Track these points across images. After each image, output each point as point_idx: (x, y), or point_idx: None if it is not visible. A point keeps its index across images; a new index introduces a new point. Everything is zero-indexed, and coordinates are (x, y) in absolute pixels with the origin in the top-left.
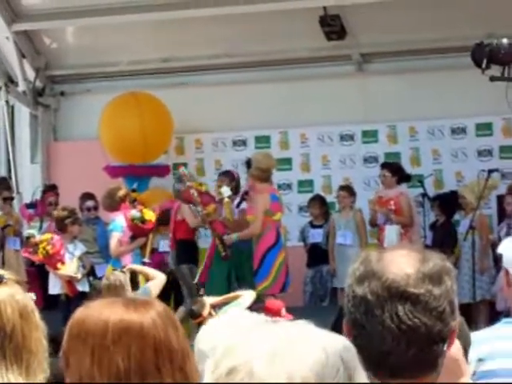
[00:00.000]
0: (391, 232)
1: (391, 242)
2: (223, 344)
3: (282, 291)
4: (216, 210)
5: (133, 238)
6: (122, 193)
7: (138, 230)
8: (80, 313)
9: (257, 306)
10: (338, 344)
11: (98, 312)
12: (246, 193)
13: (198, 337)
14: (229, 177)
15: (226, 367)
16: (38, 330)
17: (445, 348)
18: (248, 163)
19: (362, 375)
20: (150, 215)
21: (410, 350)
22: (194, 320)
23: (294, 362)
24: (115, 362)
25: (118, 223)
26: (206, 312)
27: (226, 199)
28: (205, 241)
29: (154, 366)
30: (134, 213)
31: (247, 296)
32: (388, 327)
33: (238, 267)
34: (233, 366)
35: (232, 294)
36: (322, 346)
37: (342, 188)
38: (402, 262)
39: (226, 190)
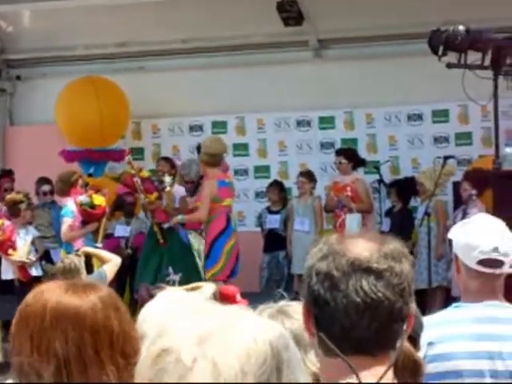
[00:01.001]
0: (352, 220)
1: (352, 231)
2: (159, 325)
3: (230, 277)
4: (158, 198)
5: (85, 223)
6: (73, 178)
7: (87, 215)
8: (27, 297)
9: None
10: (272, 333)
11: (39, 296)
12: (162, 181)
13: (140, 318)
14: (169, 163)
15: (158, 348)
16: None
17: (404, 328)
18: (198, 148)
19: (295, 367)
20: (100, 200)
21: (373, 325)
22: None
23: (221, 349)
24: (53, 347)
25: (69, 208)
26: None
27: (168, 188)
28: None
29: (93, 350)
30: (83, 198)
31: (207, 288)
32: (353, 301)
33: (170, 252)
34: (164, 348)
35: (192, 285)
36: (253, 334)
37: (301, 174)
38: (363, 243)
39: (167, 179)
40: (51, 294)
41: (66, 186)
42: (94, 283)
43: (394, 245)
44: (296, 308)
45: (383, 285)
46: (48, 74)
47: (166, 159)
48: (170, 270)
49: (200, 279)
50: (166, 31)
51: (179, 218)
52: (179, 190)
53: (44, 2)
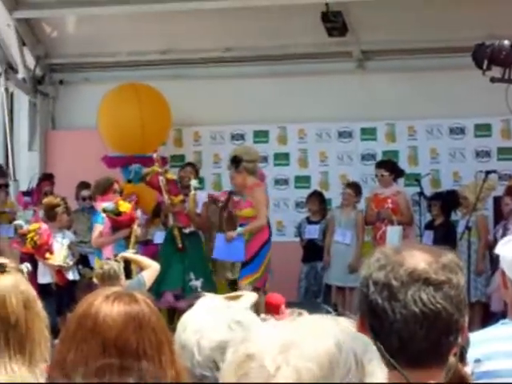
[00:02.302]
0: (393, 233)
1: (393, 243)
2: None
3: (264, 286)
4: (182, 201)
5: (116, 229)
6: (106, 184)
7: (113, 222)
8: (87, 305)
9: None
10: (357, 344)
11: (104, 305)
12: (231, 192)
13: (180, 327)
14: (194, 169)
15: (242, 353)
16: (41, 320)
17: (458, 341)
18: (235, 159)
19: (377, 374)
20: (126, 207)
21: (430, 336)
22: None
23: (304, 357)
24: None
25: (100, 214)
26: None
27: (193, 192)
28: None
29: (158, 357)
30: (107, 205)
31: (248, 298)
32: (411, 311)
33: (191, 258)
34: (248, 354)
35: (233, 294)
36: (337, 343)
37: (349, 185)
38: (421, 254)
39: (194, 183)
40: (117, 303)
41: (99, 191)
42: (133, 293)
43: (451, 257)
44: (344, 323)
45: (441, 296)
46: (90, 79)
47: (191, 165)
48: (192, 275)
49: (214, 285)
50: (209, 40)
51: (238, 230)
52: (202, 196)
53: (88, 8)
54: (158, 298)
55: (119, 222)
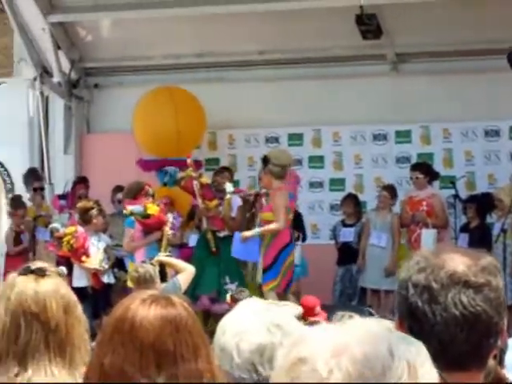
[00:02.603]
0: (428, 236)
1: (427, 246)
2: (293, 335)
3: (285, 291)
4: (217, 206)
5: (147, 232)
6: (137, 187)
7: (143, 225)
8: (124, 308)
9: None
10: (409, 350)
11: (141, 309)
12: (258, 194)
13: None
14: (230, 173)
15: (294, 356)
16: (81, 324)
17: (497, 344)
18: (265, 160)
19: (430, 377)
20: (154, 209)
21: (471, 339)
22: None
23: (357, 361)
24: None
25: (130, 218)
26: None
27: (228, 196)
28: None
29: (195, 360)
30: (134, 207)
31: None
32: (452, 314)
33: (226, 261)
34: (300, 357)
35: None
36: (390, 348)
37: (385, 188)
38: (460, 257)
39: (229, 186)
40: (154, 307)
41: (129, 196)
42: (169, 296)
43: (489, 259)
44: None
45: (481, 299)
46: (125, 82)
47: (226, 169)
48: (227, 279)
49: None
50: (244, 43)
51: (256, 231)
52: (236, 200)
53: (123, 12)
54: (193, 301)
55: (148, 225)
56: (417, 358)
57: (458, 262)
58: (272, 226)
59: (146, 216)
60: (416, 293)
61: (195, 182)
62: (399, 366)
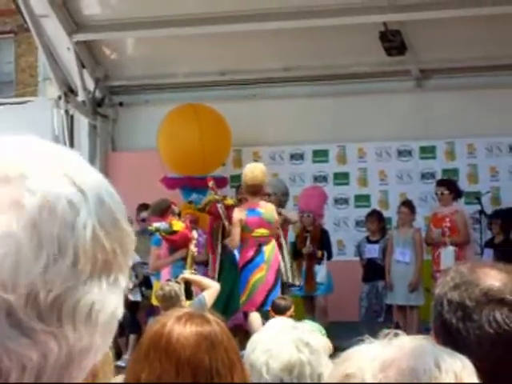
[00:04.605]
0: (447, 255)
1: (446, 265)
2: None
3: (262, 307)
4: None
5: (173, 250)
6: (162, 206)
7: (169, 242)
8: (160, 325)
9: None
10: (456, 364)
11: (177, 326)
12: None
13: (249, 347)
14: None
15: (342, 372)
16: None
17: None
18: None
19: None
20: (180, 226)
21: (505, 358)
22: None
23: (405, 374)
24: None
25: (157, 237)
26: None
27: None
28: None
29: (228, 370)
30: (159, 224)
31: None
32: (486, 332)
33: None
34: (348, 373)
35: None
36: (437, 362)
37: (404, 203)
38: (496, 274)
39: None
40: (189, 325)
41: (156, 214)
42: (202, 313)
43: None
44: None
45: None
46: (150, 100)
47: None
48: None
49: None
50: (267, 60)
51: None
52: None
53: (147, 30)
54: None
55: (174, 241)
56: (463, 370)
57: (494, 279)
58: (229, 241)
59: (172, 232)
60: (450, 309)
61: (219, 205)
62: (446, 378)
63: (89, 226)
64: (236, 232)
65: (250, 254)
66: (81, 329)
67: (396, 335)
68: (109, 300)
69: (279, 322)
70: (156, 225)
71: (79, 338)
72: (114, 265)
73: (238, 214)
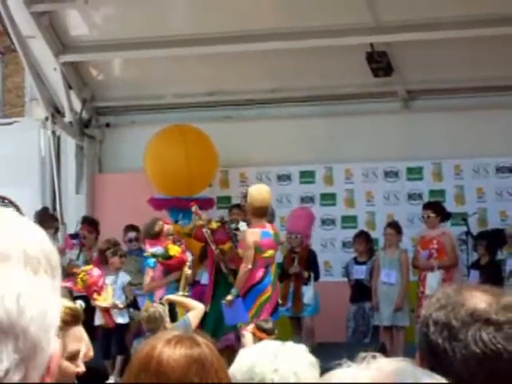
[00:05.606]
0: (432, 279)
1: (432, 288)
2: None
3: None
4: (231, 248)
5: (167, 272)
6: (155, 228)
7: (164, 266)
8: (150, 348)
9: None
10: (431, 381)
11: (167, 348)
12: (237, 229)
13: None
14: (242, 211)
15: None
16: None
17: None
18: (246, 197)
19: None
20: (176, 250)
21: (491, 378)
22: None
23: None
24: None
25: (151, 259)
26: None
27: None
28: None
29: None
30: (156, 249)
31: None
32: (472, 351)
33: None
34: None
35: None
36: (415, 381)
37: (389, 225)
38: (481, 295)
39: (242, 225)
40: (179, 347)
41: (149, 235)
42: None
43: (511, 298)
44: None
45: (503, 337)
46: (137, 121)
47: (238, 206)
48: None
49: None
50: (254, 81)
51: (233, 291)
52: None
53: (134, 51)
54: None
55: (170, 266)
56: None
57: (479, 300)
58: (241, 273)
59: (168, 257)
60: (436, 330)
61: (205, 230)
62: None
63: None
64: (250, 255)
65: (260, 274)
66: None
67: (374, 357)
68: None
69: (267, 344)
70: (151, 250)
71: None
72: None
73: (252, 236)
